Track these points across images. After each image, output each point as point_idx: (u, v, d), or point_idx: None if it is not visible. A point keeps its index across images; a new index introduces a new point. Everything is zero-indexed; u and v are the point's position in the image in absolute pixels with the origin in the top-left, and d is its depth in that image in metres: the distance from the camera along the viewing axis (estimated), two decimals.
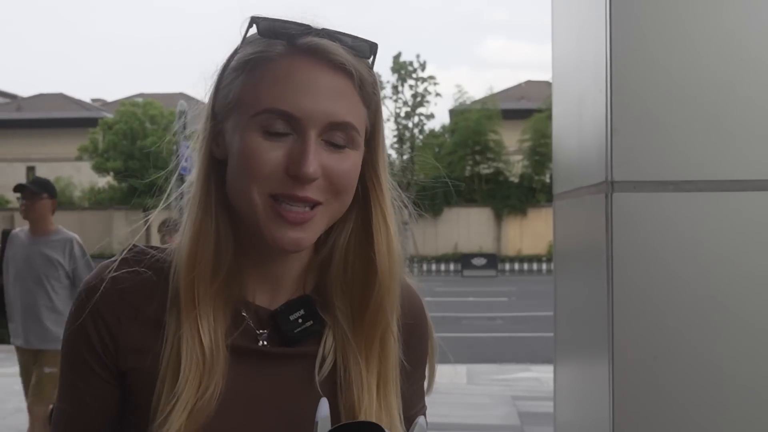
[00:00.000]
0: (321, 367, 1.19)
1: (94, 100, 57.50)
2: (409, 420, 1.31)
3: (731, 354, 2.07)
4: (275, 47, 1.11)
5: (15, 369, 10.41)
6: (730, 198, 2.08)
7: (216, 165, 1.18)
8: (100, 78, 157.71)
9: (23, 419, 7.72)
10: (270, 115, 1.08)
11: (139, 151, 35.99)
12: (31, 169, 45.79)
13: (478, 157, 41.41)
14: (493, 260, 36.71)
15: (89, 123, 42.21)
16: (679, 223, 2.08)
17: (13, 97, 58.43)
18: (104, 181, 40.62)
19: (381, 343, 1.20)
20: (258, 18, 1.13)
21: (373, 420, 1.15)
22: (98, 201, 40.53)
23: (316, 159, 1.07)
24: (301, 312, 1.19)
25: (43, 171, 44.28)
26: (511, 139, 40.49)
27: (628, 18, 2.11)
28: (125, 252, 1.23)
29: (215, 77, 1.19)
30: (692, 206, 2.08)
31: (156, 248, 1.23)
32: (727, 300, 2.07)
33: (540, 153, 39.92)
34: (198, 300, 1.14)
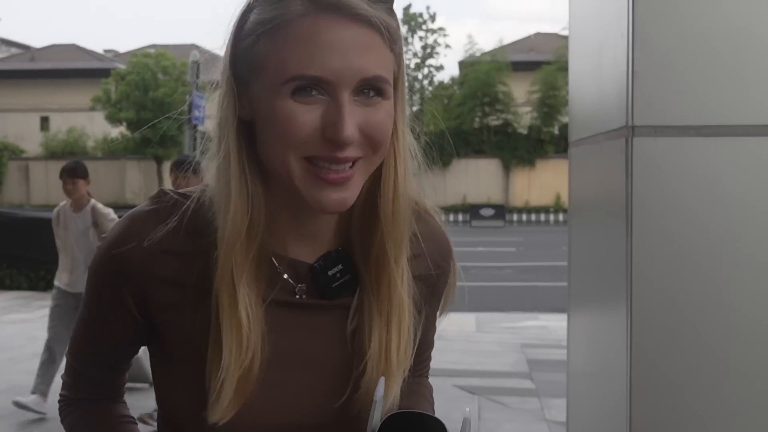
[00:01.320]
0: (354, 317, 1.19)
1: (106, 51, 57.33)
2: (419, 364, 1.35)
3: (750, 297, 2.07)
4: (294, 6, 1.05)
5: (32, 315, 10.51)
6: (751, 143, 2.06)
7: (243, 126, 1.13)
8: (113, 29, 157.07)
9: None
10: (300, 82, 1.03)
11: (152, 102, 35.92)
12: (45, 120, 45.84)
13: (487, 109, 41.20)
14: (501, 211, 36.75)
15: (102, 74, 42.02)
16: (700, 169, 2.06)
17: (26, 47, 58.47)
18: (117, 131, 40.57)
19: (389, 287, 1.17)
20: None
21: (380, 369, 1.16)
22: (111, 151, 40.53)
23: (352, 119, 1.03)
24: (339, 267, 1.18)
25: (57, 121, 44.38)
26: (520, 90, 40.30)
27: None
28: (155, 199, 1.20)
29: (231, 34, 1.13)
30: (713, 151, 2.06)
31: (185, 196, 1.19)
32: (747, 244, 2.06)
33: (549, 105, 39.79)
34: (235, 267, 1.11)
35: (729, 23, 2.06)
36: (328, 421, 1.18)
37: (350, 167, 1.07)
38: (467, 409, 1.10)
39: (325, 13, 1.03)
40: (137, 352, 1.29)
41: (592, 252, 2.68)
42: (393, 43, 1.10)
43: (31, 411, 6.40)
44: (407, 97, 1.21)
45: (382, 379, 1.09)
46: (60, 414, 1.32)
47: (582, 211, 2.94)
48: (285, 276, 1.17)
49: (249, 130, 1.13)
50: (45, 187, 36.88)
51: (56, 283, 6.85)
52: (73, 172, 6.51)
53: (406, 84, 1.20)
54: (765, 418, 2.08)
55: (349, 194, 1.08)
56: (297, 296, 1.18)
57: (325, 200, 1.07)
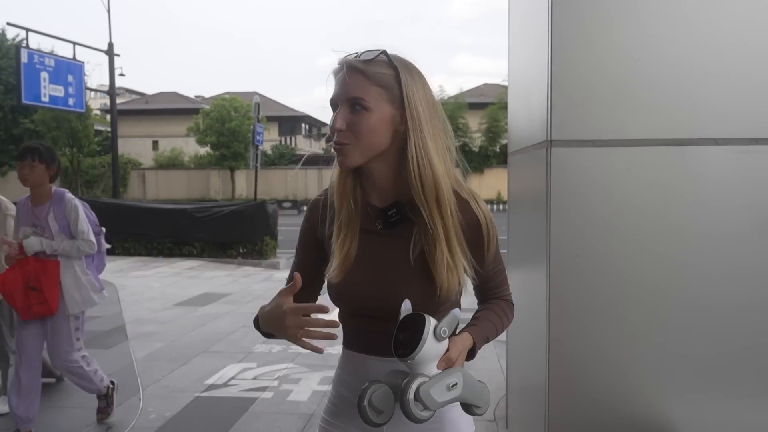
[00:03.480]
0: (415, 245, 1.27)
1: (196, 96, 56.93)
2: (490, 290, 1.42)
3: (625, 252, 2.10)
4: (335, 67, 1.27)
5: (148, 272, 10.55)
6: (626, 151, 2.09)
7: None
8: (201, 80, 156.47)
9: (156, 305, 7.77)
10: (332, 101, 1.26)
11: (227, 131, 35.74)
12: (155, 142, 45.63)
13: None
14: None
15: (193, 111, 41.74)
16: (593, 167, 2.10)
17: (142, 94, 58.15)
18: (203, 150, 40.42)
19: (442, 219, 1.25)
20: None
21: (445, 263, 1.24)
22: (200, 164, 40.36)
23: (342, 118, 1.22)
24: (393, 210, 1.29)
25: (163, 143, 44.15)
26: (474, 122, 40.11)
27: (562, 38, 2.12)
28: (323, 191, 1.41)
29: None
30: (602, 156, 2.10)
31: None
32: (623, 219, 2.10)
33: (493, 132, 39.54)
34: (342, 206, 1.31)
35: (611, 77, 2.10)
36: (389, 301, 1.23)
37: (342, 147, 1.24)
38: (457, 310, 1.14)
39: (341, 69, 1.25)
40: (323, 277, 1.36)
41: (526, 229, 2.70)
42: (376, 79, 1.23)
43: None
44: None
45: (407, 300, 1.18)
46: None
47: (517, 200, 2.96)
48: (369, 214, 1.31)
49: None
50: (156, 188, 36.83)
51: None
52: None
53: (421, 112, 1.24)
54: (636, 327, 2.11)
55: (343, 159, 1.24)
56: (377, 227, 1.30)
57: (338, 161, 1.26)
